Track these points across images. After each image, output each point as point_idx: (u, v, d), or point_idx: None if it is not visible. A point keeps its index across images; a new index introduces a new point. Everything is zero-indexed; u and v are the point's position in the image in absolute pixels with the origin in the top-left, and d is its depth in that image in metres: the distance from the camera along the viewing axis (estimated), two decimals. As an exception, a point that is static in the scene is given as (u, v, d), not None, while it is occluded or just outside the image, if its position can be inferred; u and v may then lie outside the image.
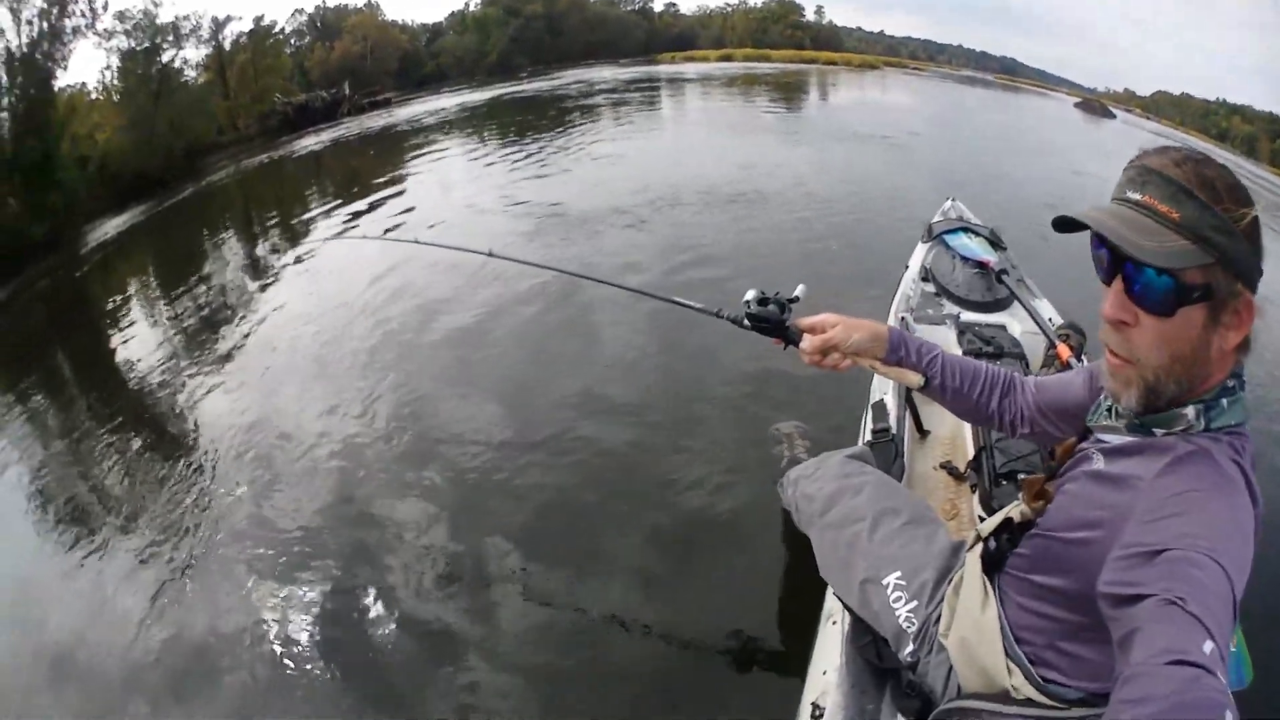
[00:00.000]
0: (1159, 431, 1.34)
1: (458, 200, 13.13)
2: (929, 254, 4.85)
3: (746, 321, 2.04)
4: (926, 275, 4.65)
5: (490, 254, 3.37)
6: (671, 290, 2.43)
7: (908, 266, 4.87)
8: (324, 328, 7.81)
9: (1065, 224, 1.34)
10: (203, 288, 11.08)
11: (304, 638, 3.85)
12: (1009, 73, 50.89)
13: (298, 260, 11.51)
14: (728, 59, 47.07)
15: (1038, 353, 3.81)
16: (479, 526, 4.38)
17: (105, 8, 26.64)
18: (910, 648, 1.89)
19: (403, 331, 7.24)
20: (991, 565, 1.71)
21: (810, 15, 57.39)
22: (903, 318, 4.14)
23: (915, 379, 1.89)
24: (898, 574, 1.99)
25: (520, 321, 7.04)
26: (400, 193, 14.77)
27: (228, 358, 7.85)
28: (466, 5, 49.41)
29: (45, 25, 23.81)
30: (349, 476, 5.09)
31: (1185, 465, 1.26)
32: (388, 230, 11.21)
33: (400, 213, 12.81)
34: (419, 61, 45.76)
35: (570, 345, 6.46)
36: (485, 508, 4.55)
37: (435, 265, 8.57)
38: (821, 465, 2.63)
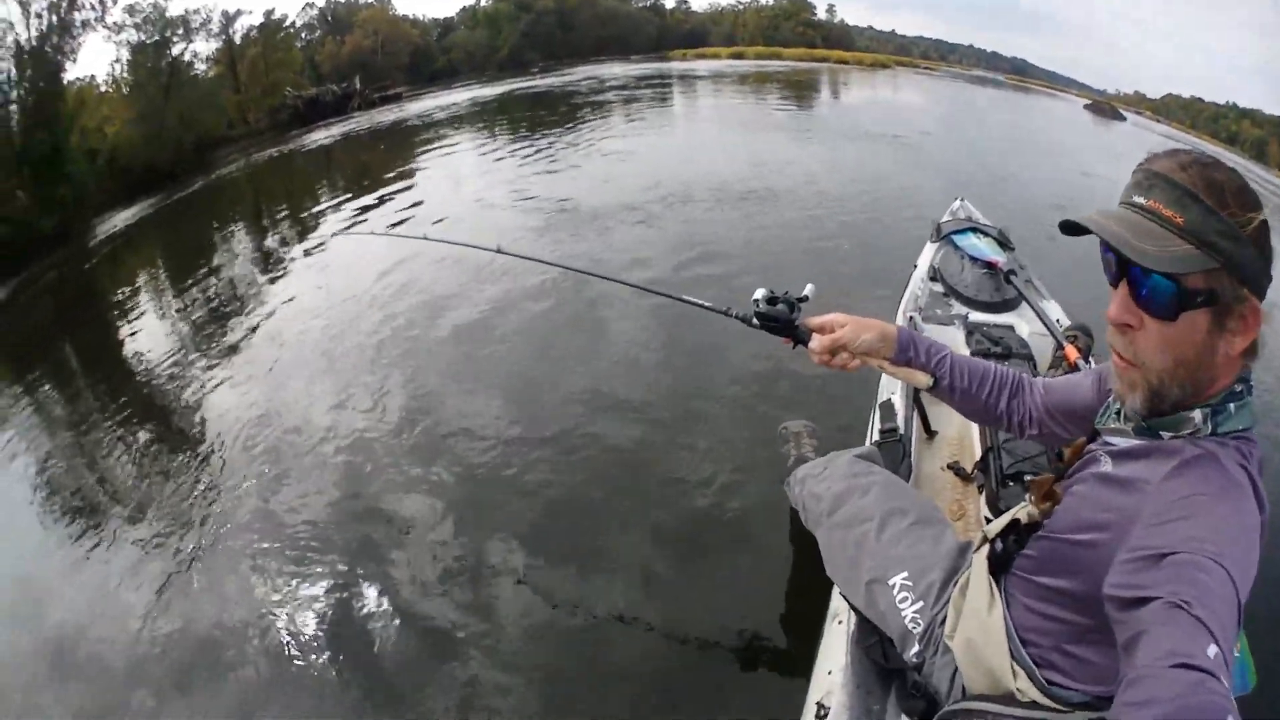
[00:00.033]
0: (1166, 435, 1.34)
1: (468, 195, 13.11)
2: (938, 254, 4.84)
3: (756, 320, 2.03)
4: (935, 275, 4.64)
5: (499, 250, 3.36)
6: (681, 288, 2.44)
7: (916, 266, 4.86)
8: (332, 322, 7.82)
9: (1072, 227, 1.34)
10: (211, 281, 11.10)
11: (308, 632, 3.86)
12: (1019, 73, 50.90)
13: (307, 254, 11.53)
14: (739, 56, 47.05)
15: (1046, 354, 3.80)
16: (484, 522, 4.39)
17: (115, 1, 26.76)
18: (916, 648, 1.89)
19: (411, 326, 7.25)
20: (998, 567, 1.71)
21: (822, 14, 57.47)
22: (911, 317, 4.14)
23: (924, 380, 1.88)
24: (904, 574, 1.99)
25: (528, 317, 7.04)
26: (410, 187, 14.78)
27: (235, 351, 7.88)
28: (478, 0, 49.49)
29: (54, 18, 23.86)
30: (355, 471, 5.10)
31: (1192, 469, 1.26)
32: (397, 225, 11.27)
33: (410, 207, 12.82)
34: (430, 56, 45.88)
35: (578, 342, 6.45)
36: (491, 504, 4.55)
37: (444, 260, 8.58)
38: (829, 464, 2.64)
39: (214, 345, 8.19)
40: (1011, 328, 4.08)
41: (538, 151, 16.21)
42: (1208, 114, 40.96)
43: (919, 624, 1.90)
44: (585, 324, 6.76)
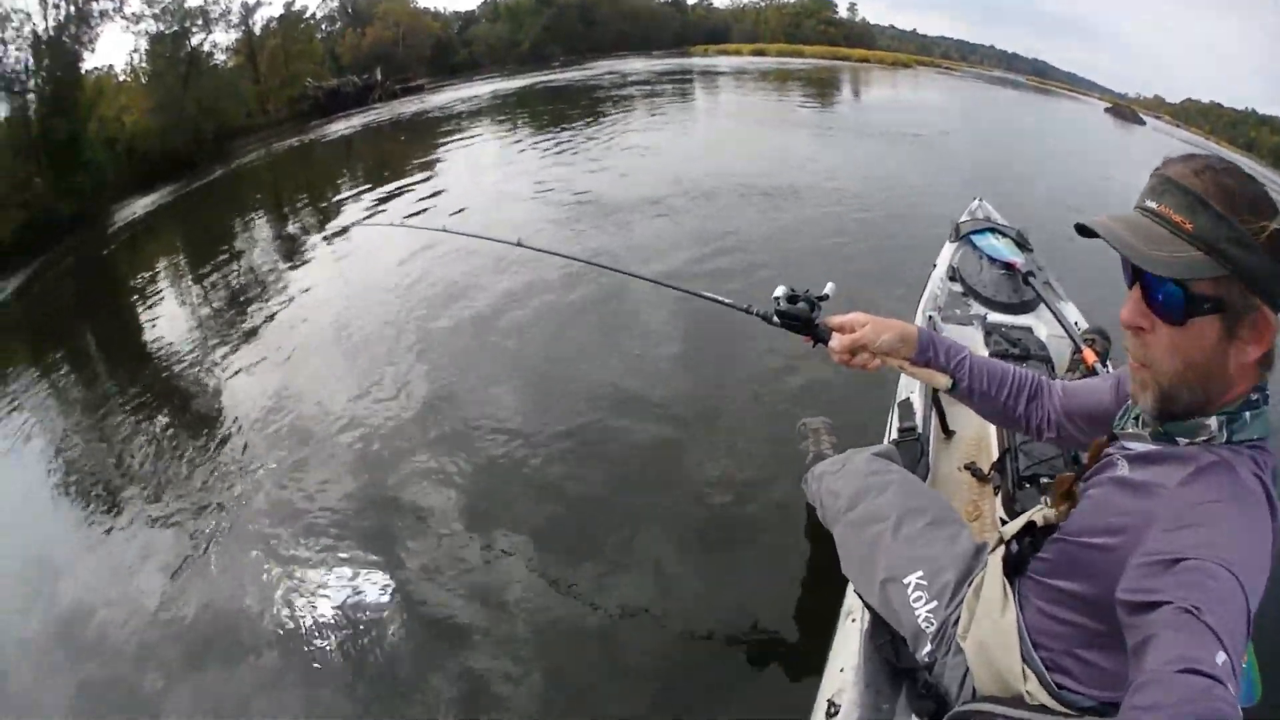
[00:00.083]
0: (1182, 441, 1.35)
1: (488, 187, 13.17)
2: (956, 254, 4.83)
3: (776, 318, 2.04)
4: (954, 275, 4.63)
5: (519, 243, 3.35)
6: (701, 283, 2.43)
7: (935, 265, 4.85)
8: (351, 312, 7.86)
9: (1087, 230, 1.35)
10: (230, 268, 11.19)
11: (322, 618, 3.89)
12: (1040, 75, 50.57)
13: (326, 242, 11.62)
14: (760, 53, 46.91)
15: (1063, 356, 3.79)
16: (498, 514, 4.41)
17: (133, -8, 26.87)
18: (928, 648, 1.89)
19: (430, 318, 7.27)
20: (1013, 569, 1.72)
21: (843, 12, 57.28)
22: (930, 317, 4.12)
23: (943, 381, 1.89)
24: (919, 574, 1.99)
25: (547, 310, 7.05)
26: (431, 178, 14.80)
27: (253, 337, 7.95)
28: (499, -6, 49.44)
29: (72, 8, 24.08)
30: (371, 459, 5.14)
31: (1207, 476, 1.26)
32: (417, 216, 11.24)
33: (429, 197, 12.83)
34: (451, 49, 45.82)
35: (597, 336, 6.47)
36: (505, 495, 4.57)
37: (463, 252, 8.59)
38: (847, 462, 2.64)
39: (232, 331, 8.26)
40: (1030, 329, 4.07)
41: (558, 145, 16.20)
42: (1226, 119, 40.62)
43: (932, 624, 1.90)
44: (604, 318, 6.77)
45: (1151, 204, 1.28)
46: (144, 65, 28.72)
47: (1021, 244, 4.85)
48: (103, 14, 25.79)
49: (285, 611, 3.98)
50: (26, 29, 22.44)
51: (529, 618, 3.67)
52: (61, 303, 12.79)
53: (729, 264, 7.86)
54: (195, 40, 30.33)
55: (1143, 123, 33.06)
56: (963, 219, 5.28)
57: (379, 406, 5.74)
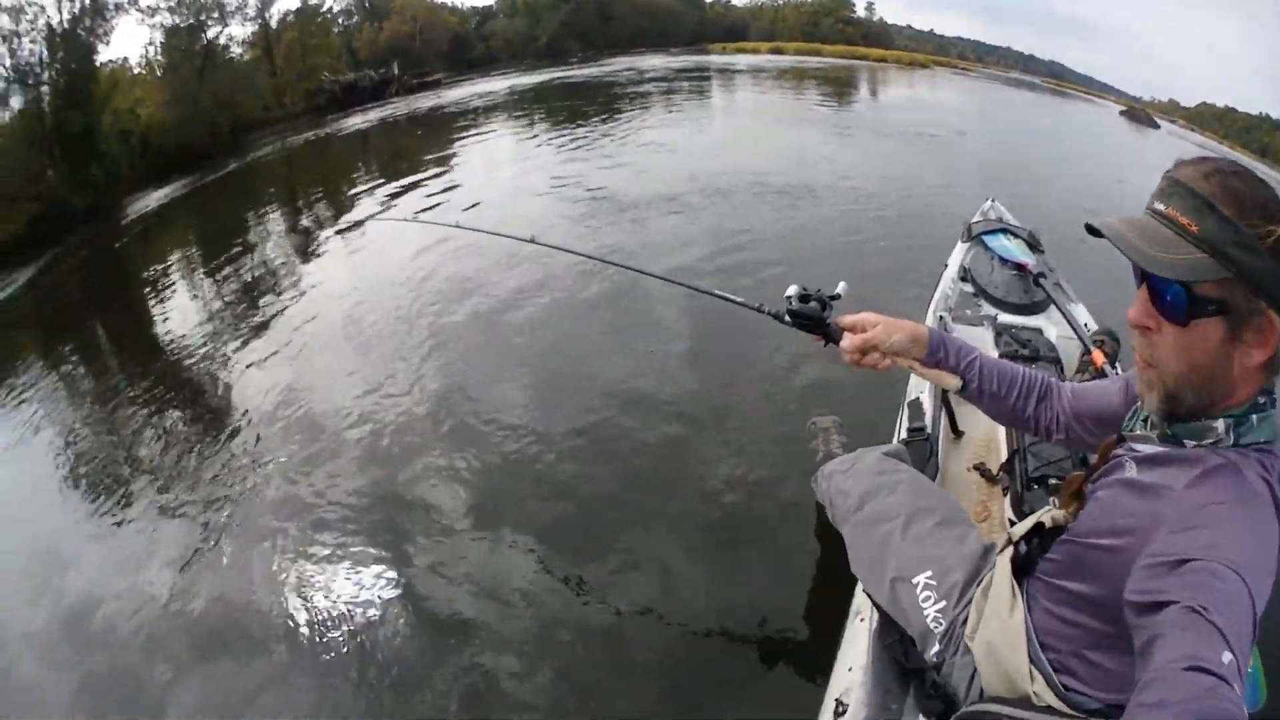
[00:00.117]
0: (1190, 443, 1.35)
1: (503, 183, 13.16)
2: (968, 254, 4.82)
3: (788, 318, 2.04)
4: (965, 275, 4.62)
5: (532, 240, 3.37)
6: (714, 281, 2.45)
7: (947, 265, 4.84)
8: (363, 306, 7.88)
9: (1095, 231, 1.35)
10: (244, 261, 11.25)
11: (330, 611, 3.91)
12: (1056, 77, 50.27)
13: (339, 237, 11.64)
14: (778, 52, 46.70)
15: (1073, 357, 3.78)
16: (507, 511, 4.42)
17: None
18: (936, 648, 1.89)
19: (442, 314, 7.28)
20: (1021, 570, 1.71)
21: (861, 11, 57.15)
22: (941, 317, 4.12)
23: (953, 381, 1.89)
24: (928, 574, 1.99)
25: (559, 307, 7.06)
26: (446, 173, 14.79)
27: (264, 332, 7.97)
28: (517, -11, 49.42)
29: (87, 1, 24.10)
30: (381, 454, 5.15)
31: (1213, 478, 1.26)
32: (431, 211, 11.28)
33: (444, 192, 12.86)
34: (469, 44, 45.82)
35: (608, 333, 6.47)
36: (514, 493, 4.58)
37: (477, 248, 8.57)
38: (857, 461, 2.64)
39: (244, 325, 8.31)
40: (1040, 330, 4.06)
41: (574, 141, 16.19)
42: (1240, 124, 40.47)
43: (940, 624, 1.90)
44: (616, 315, 6.78)
45: (1160, 206, 1.29)
46: (159, 58, 28.93)
47: (1033, 245, 4.84)
48: (117, 6, 25.98)
49: (294, 605, 4.00)
50: (41, 21, 22.64)
51: (537, 614, 3.68)
52: (73, 295, 12.87)
53: (742, 262, 7.85)
54: (211, 33, 30.51)
55: (1157, 126, 32.84)
56: (975, 219, 5.27)
57: (389, 402, 5.76)
